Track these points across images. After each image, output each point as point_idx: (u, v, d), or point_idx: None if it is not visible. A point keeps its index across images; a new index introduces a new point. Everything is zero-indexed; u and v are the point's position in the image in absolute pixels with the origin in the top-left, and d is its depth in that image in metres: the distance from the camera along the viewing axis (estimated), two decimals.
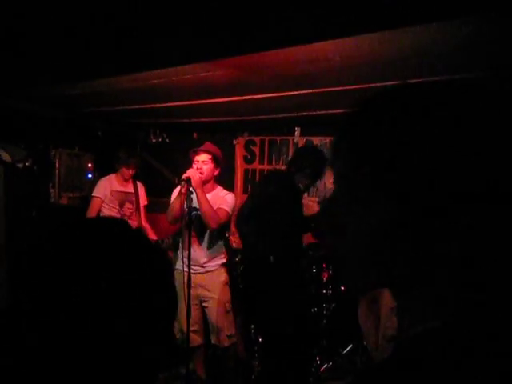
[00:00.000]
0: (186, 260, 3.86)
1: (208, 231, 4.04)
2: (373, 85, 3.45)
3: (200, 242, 4.10)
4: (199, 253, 4.07)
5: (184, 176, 3.82)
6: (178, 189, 4.06)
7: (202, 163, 3.99)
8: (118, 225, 0.94)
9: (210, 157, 4.02)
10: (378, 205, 0.64)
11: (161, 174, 6.19)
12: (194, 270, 4.01)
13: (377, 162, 0.64)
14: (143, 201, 5.21)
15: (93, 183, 5.26)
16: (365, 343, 4.00)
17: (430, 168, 0.60)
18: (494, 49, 2.69)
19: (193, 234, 3.99)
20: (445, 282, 0.62)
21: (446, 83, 0.67)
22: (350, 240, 0.70)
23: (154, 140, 6.20)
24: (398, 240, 0.64)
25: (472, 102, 0.63)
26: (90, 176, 5.68)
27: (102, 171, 5.45)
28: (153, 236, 5.09)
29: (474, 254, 0.60)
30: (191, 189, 3.82)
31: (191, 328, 3.95)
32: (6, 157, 4.57)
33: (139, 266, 0.88)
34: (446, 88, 0.67)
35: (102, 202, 4.93)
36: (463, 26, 2.33)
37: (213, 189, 4.13)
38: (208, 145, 4.18)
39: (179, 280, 3.70)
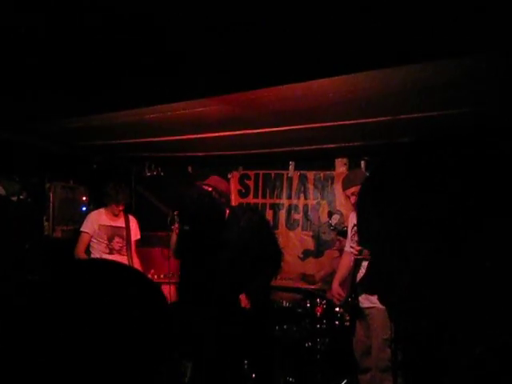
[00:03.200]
0: None
1: None
2: (364, 120, 3.51)
3: None
4: None
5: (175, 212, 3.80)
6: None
7: None
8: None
9: (210, 190, 3.94)
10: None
11: (155, 208, 6.19)
12: None
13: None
14: (135, 235, 5.14)
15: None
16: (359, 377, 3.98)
17: None
18: (481, 87, 2.77)
19: None
20: None
21: None
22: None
23: (148, 173, 6.21)
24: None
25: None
26: (84, 209, 5.66)
27: (96, 204, 5.44)
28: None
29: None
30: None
31: None
32: (0, 190, 4.57)
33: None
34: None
35: (91, 236, 4.92)
36: (453, 65, 2.41)
37: None
38: (212, 178, 4.12)
39: None
